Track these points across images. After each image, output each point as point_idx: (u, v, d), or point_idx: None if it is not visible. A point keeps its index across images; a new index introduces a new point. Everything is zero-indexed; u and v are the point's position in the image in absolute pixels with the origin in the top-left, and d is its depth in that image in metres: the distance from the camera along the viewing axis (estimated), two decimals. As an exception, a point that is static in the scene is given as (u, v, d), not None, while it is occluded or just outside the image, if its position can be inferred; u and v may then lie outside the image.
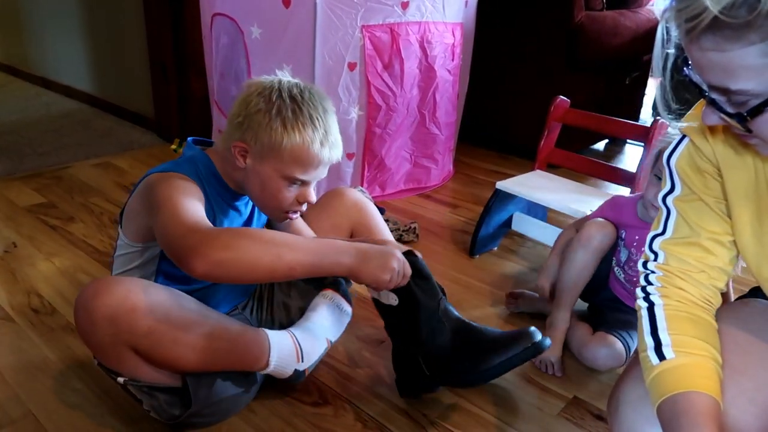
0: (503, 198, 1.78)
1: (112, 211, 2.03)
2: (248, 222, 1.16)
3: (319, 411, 1.15)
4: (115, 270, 1.12)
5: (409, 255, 1.05)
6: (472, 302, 1.54)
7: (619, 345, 1.26)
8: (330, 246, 0.92)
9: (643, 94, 2.91)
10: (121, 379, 0.98)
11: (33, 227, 1.89)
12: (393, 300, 1.07)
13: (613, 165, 1.90)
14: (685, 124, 0.76)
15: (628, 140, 2.94)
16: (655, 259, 0.81)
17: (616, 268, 1.37)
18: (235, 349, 1.01)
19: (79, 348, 1.31)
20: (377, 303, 1.12)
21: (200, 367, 0.99)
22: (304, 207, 1.07)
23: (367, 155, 2.09)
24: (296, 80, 1.05)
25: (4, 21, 4.25)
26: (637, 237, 1.31)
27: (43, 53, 3.87)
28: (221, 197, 1.07)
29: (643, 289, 0.81)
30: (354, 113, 2.01)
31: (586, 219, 1.40)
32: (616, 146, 2.95)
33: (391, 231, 1.79)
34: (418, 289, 1.06)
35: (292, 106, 0.99)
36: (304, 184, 1.04)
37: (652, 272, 0.81)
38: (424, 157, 2.24)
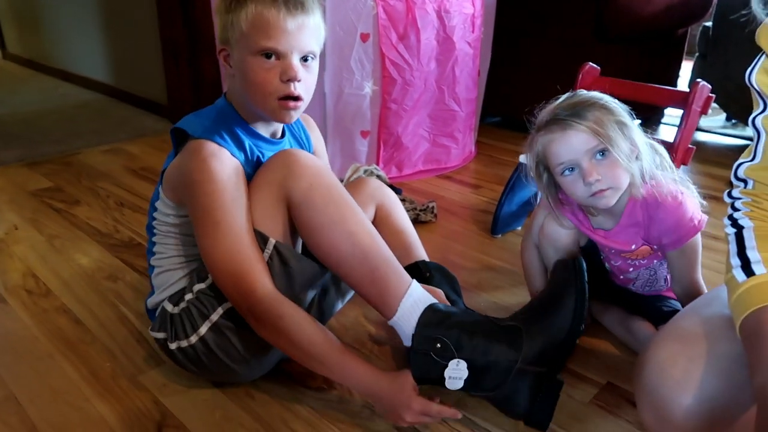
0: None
1: (118, 194, 1.95)
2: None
3: (324, 396, 1.05)
4: (157, 228, 1.07)
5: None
6: (494, 283, 1.42)
7: None
8: (351, 375, 0.94)
9: (678, 71, 2.73)
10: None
11: (37, 210, 1.82)
12: (459, 383, 0.96)
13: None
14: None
15: (662, 121, 2.78)
16: (745, 187, 0.77)
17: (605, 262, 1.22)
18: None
19: (71, 330, 1.22)
20: None
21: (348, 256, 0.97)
22: (294, 88, 0.96)
23: (383, 133, 1.98)
24: None
25: (25, 18, 4.26)
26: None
27: (61, 46, 3.86)
28: (251, 139, 1.03)
29: (730, 216, 0.78)
30: (368, 88, 1.90)
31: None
32: (649, 125, 2.78)
33: (408, 211, 1.68)
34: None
35: None
36: (281, 57, 0.95)
37: (739, 199, 0.77)
38: (443, 135, 2.12)
